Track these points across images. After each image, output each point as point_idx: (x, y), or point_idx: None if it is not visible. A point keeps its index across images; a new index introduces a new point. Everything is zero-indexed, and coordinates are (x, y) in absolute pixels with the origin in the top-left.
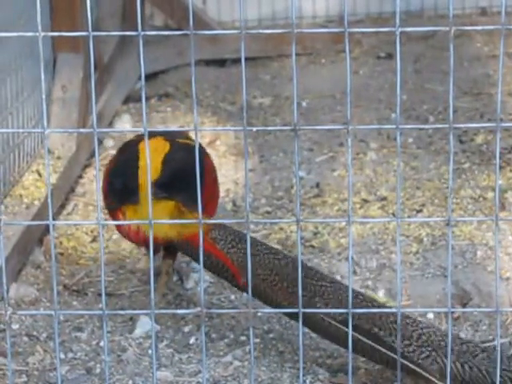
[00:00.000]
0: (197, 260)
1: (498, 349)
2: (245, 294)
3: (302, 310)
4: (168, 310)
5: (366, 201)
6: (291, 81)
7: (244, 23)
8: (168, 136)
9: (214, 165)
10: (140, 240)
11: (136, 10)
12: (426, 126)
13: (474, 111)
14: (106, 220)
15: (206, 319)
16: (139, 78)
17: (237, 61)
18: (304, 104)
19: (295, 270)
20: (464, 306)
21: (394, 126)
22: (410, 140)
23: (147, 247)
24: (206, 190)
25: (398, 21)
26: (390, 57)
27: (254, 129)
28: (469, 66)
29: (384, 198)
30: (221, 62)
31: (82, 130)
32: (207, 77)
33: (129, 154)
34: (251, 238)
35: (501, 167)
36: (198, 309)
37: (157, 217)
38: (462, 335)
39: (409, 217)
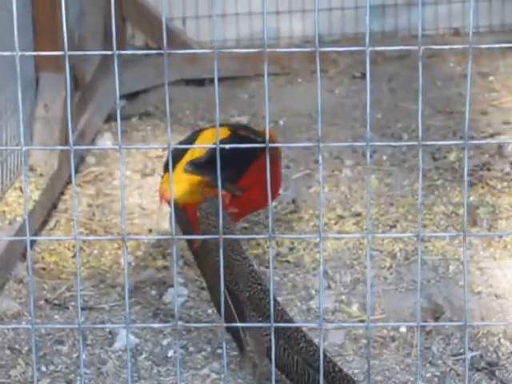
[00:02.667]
0: (182, 226)
1: (467, 362)
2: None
3: (275, 325)
4: (144, 324)
5: (341, 217)
6: (269, 100)
7: (220, 43)
8: (238, 129)
9: (273, 167)
10: (162, 198)
11: (116, 29)
12: (396, 144)
13: (446, 129)
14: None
15: (183, 332)
16: (121, 97)
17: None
18: (281, 122)
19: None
20: (436, 319)
21: (364, 144)
22: (385, 157)
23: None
24: (244, 179)
25: (367, 40)
26: (365, 76)
27: (227, 146)
28: (442, 86)
29: (359, 214)
30: (200, 82)
31: (58, 147)
32: (187, 96)
33: (191, 135)
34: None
35: (473, 184)
36: (174, 323)
37: (180, 186)
38: (434, 349)
39: (383, 232)
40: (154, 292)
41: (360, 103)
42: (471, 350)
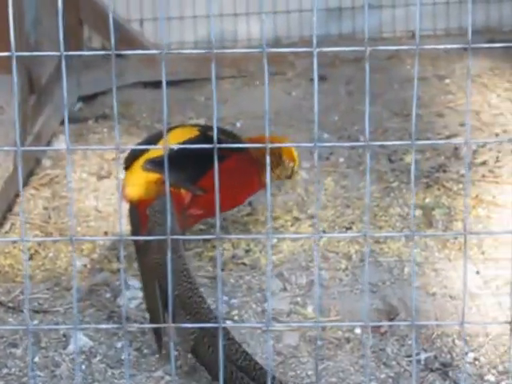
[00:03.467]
0: (133, 223)
1: (414, 361)
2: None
3: (223, 325)
4: (93, 325)
5: (297, 219)
6: (226, 102)
7: (177, 45)
8: (209, 130)
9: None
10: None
11: (73, 32)
12: (344, 144)
13: (403, 131)
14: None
15: (138, 335)
16: (78, 100)
17: (173, 83)
18: (238, 125)
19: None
20: (391, 321)
21: (312, 145)
22: (341, 160)
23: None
24: (205, 179)
25: (314, 41)
26: (322, 79)
27: (175, 147)
28: (399, 88)
29: (314, 217)
30: (158, 84)
31: (5, 148)
32: (144, 99)
33: (155, 135)
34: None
35: (429, 185)
36: (123, 324)
37: (137, 183)
38: (389, 350)
39: (340, 232)
40: (108, 295)
41: (318, 105)
42: (425, 350)
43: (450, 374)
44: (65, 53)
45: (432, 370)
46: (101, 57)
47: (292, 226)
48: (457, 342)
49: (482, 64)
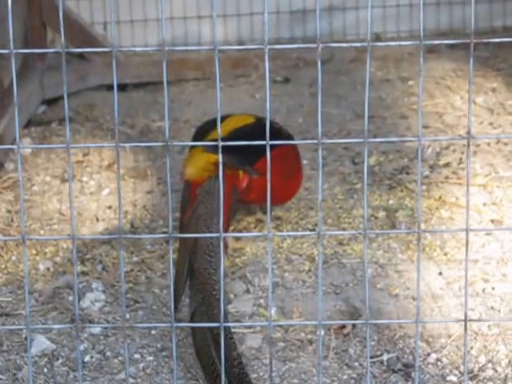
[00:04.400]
0: (184, 201)
1: (368, 361)
2: (140, 312)
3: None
4: (45, 326)
5: (260, 221)
6: (190, 104)
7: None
8: (264, 119)
9: (290, 157)
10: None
11: (37, 35)
12: (296, 142)
13: (367, 133)
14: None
15: (100, 337)
16: (41, 103)
17: (137, 86)
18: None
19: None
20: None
21: (264, 142)
22: (305, 162)
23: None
24: (261, 163)
25: (266, 39)
26: (286, 81)
27: (127, 145)
28: (362, 90)
29: (279, 218)
30: (122, 87)
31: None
32: (108, 101)
33: (216, 118)
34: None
35: (392, 187)
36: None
37: (196, 163)
38: (351, 351)
39: (303, 236)
40: (71, 297)
41: (281, 108)
42: (388, 351)
43: (413, 374)
44: (15, 50)
45: (394, 371)
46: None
47: (255, 227)
48: (419, 343)
49: (445, 66)
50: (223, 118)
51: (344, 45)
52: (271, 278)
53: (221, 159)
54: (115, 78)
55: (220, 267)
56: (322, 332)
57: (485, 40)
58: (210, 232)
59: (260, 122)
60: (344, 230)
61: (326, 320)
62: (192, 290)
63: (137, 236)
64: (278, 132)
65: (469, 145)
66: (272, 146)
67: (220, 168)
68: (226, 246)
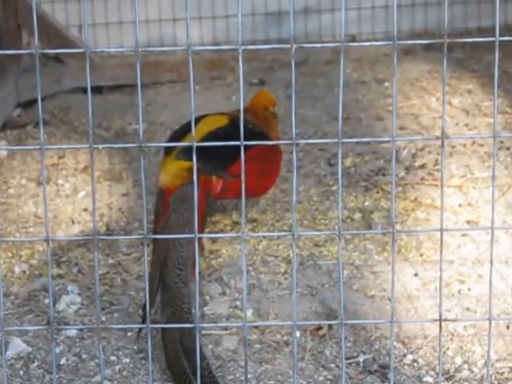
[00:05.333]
0: (157, 209)
1: (343, 361)
2: (116, 315)
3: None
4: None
5: (237, 223)
6: (166, 107)
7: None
8: (238, 118)
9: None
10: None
11: (12, 37)
12: (269, 142)
13: (343, 135)
14: None
15: (76, 340)
16: (17, 106)
17: (113, 88)
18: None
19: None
20: (330, 324)
21: (238, 142)
22: (281, 163)
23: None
24: (236, 166)
25: (239, 39)
26: (261, 83)
27: (100, 147)
28: (338, 92)
29: (255, 220)
30: (97, 90)
31: None
32: (84, 104)
33: (189, 123)
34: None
35: (368, 189)
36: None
37: (169, 170)
38: (327, 353)
39: (278, 238)
40: (47, 300)
41: None
42: (364, 352)
43: (389, 375)
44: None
45: (370, 372)
46: (39, 62)
47: (231, 230)
48: (395, 343)
49: (420, 68)
50: (198, 120)
51: (317, 45)
52: (246, 279)
53: (195, 167)
54: (88, 79)
55: (188, 283)
56: (298, 334)
57: (458, 40)
58: (181, 244)
59: (234, 122)
60: (320, 231)
61: (301, 321)
62: (162, 303)
63: (110, 237)
64: (252, 132)
65: (443, 145)
66: (247, 147)
67: (194, 176)
68: (202, 249)
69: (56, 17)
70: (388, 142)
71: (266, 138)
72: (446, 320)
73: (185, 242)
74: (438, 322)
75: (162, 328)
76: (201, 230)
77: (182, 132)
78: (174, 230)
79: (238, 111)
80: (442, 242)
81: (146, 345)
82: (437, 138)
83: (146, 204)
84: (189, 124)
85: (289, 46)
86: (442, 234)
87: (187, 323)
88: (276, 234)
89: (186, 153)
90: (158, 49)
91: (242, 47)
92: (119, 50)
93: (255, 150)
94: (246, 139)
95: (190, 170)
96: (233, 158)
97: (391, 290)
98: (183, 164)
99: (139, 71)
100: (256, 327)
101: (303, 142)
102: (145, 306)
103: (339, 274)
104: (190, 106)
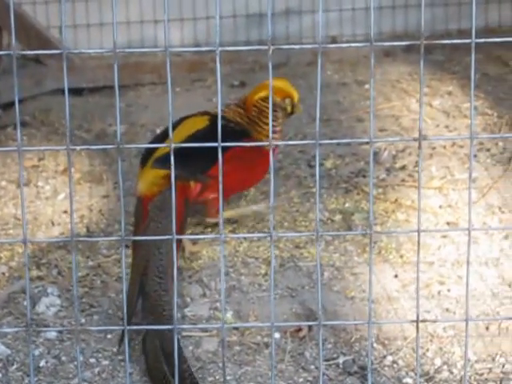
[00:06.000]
0: (136, 217)
1: (321, 361)
2: (96, 317)
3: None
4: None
5: (216, 224)
6: (146, 108)
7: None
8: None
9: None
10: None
11: None
12: (247, 144)
13: (323, 137)
14: None
15: (56, 342)
16: None
17: (94, 90)
18: (158, 131)
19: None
20: (310, 325)
21: (216, 144)
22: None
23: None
24: (215, 168)
25: (217, 40)
26: (242, 85)
27: (78, 148)
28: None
29: (235, 222)
30: (78, 91)
31: None
32: (64, 106)
33: (166, 130)
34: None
35: (348, 190)
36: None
37: (146, 179)
38: (307, 354)
39: (258, 239)
40: (25, 302)
41: None
42: (344, 354)
43: (368, 377)
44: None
45: (350, 374)
46: (19, 64)
47: (211, 232)
48: (375, 345)
49: (400, 69)
50: (178, 123)
51: (295, 46)
52: (224, 280)
53: (173, 170)
54: (66, 80)
55: (169, 290)
56: (278, 335)
57: (434, 42)
58: (161, 253)
59: (214, 123)
60: (299, 232)
61: (281, 323)
62: (143, 311)
63: (89, 239)
64: (233, 131)
65: (420, 146)
66: (226, 147)
67: (172, 184)
68: (182, 250)
69: (37, 18)
70: (367, 143)
71: (248, 137)
72: (423, 321)
73: (164, 251)
74: (413, 323)
75: (143, 336)
76: (180, 234)
77: (162, 137)
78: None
79: (225, 108)
80: (419, 243)
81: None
82: (414, 140)
83: (123, 206)
84: (166, 131)
85: (266, 47)
86: (419, 235)
87: (167, 331)
88: (254, 235)
89: (161, 161)
90: (135, 50)
91: (220, 49)
92: (97, 51)
93: (235, 150)
94: (225, 140)
95: (166, 177)
96: (212, 160)
97: (369, 291)
98: (160, 171)
99: (116, 72)
100: (236, 329)
101: (280, 143)
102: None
103: (317, 273)
104: (168, 108)
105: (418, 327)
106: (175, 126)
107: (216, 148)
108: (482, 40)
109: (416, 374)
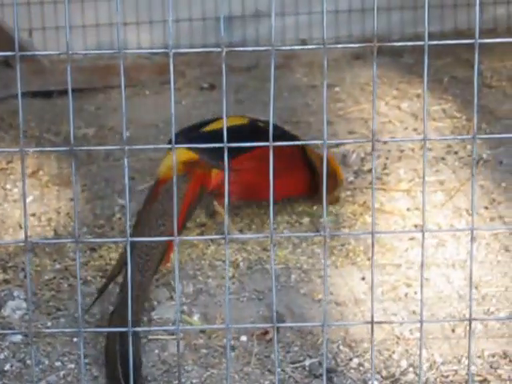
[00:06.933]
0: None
1: (276, 362)
2: (62, 320)
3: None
4: None
5: (203, 224)
6: (116, 111)
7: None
8: (257, 120)
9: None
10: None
11: None
12: (201, 145)
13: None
14: None
15: (21, 346)
16: None
17: (63, 93)
18: (128, 134)
19: None
20: (277, 328)
21: (169, 146)
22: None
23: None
24: (238, 159)
25: (170, 42)
26: (212, 88)
27: (31, 150)
28: (288, 96)
29: (203, 225)
30: (47, 94)
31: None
32: (32, 108)
33: (204, 120)
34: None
35: None
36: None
37: (166, 163)
38: (274, 357)
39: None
40: None
41: (207, 114)
42: (310, 356)
43: (335, 379)
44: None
45: (316, 376)
46: None
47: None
48: (341, 347)
49: (370, 72)
50: (212, 121)
51: (248, 49)
52: (178, 282)
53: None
54: (19, 83)
55: (148, 271)
56: (245, 338)
57: (386, 44)
58: (160, 227)
59: (251, 123)
60: (267, 236)
61: (249, 327)
62: (120, 288)
63: (43, 240)
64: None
65: (373, 148)
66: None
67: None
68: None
69: (6, 21)
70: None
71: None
72: (377, 322)
73: (165, 227)
74: (379, 325)
75: (111, 314)
76: (182, 221)
77: (201, 125)
78: (150, 218)
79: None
80: (373, 245)
81: (93, 350)
82: (367, 141)
83: (77, 207)
84: (210, 120)
85: (219, 49)
86: (373, 236)
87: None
88: (208, 237)
89: (188, 139)
90: (86, 52)
91: (173, 51)
92: (50, 53)
93: (263, 150)
94: (258, 139)
95: (186, 163)
96: (237, 153)
97: (324, 292)
98: (180, 156)
99: (69, 74)
100: (203, 332)
101: (233, 145)
102: (88, 309)
103: (271, 274)
104: (121, 111)
105: (372, 329)
106: (211, 121)
107: (244, 141)
108: (435, 42)
109: (382, 377)
